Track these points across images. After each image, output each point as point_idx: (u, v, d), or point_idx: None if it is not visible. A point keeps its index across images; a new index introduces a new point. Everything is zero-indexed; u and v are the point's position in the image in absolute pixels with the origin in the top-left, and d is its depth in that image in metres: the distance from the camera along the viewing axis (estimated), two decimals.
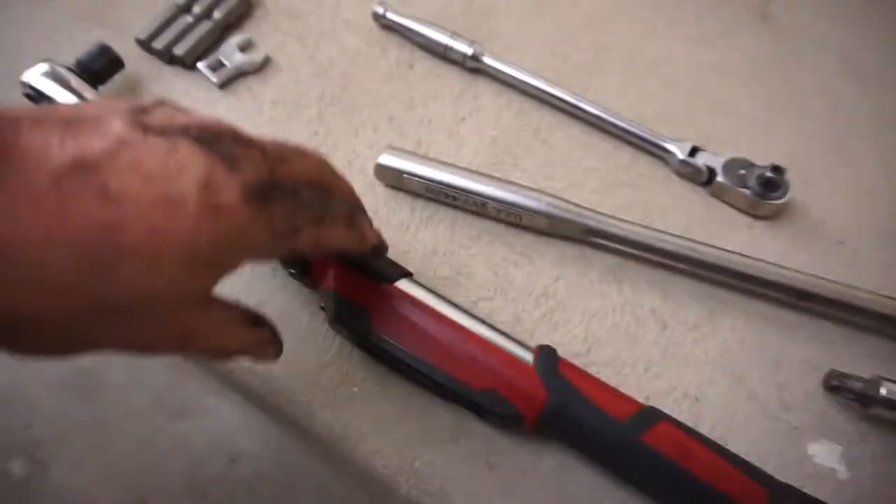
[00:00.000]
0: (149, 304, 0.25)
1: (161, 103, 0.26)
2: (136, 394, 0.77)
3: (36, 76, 0.44)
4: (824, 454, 0.40)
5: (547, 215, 0.43)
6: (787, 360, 0.42)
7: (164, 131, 0.25)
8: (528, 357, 0.37)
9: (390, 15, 0.52)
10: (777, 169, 0.46)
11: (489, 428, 0.39)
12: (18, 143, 0.22)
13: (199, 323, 0.28)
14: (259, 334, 0.32)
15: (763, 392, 0.41)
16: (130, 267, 0.23)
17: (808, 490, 0.36)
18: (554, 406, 0.36)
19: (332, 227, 0.30)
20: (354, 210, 0.32)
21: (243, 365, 0.40)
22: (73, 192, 0.22)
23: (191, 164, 0.24)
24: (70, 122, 0.24)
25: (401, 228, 0.45)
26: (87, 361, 0.80)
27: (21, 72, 0.45)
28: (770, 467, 0.36)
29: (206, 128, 0.26)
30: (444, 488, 0.37)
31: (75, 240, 0.22)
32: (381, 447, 0.38)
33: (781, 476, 0.36)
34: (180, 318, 0.27)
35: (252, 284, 0.42)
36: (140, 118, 0.25)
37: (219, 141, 0.26)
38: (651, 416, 0.36)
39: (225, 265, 0.27)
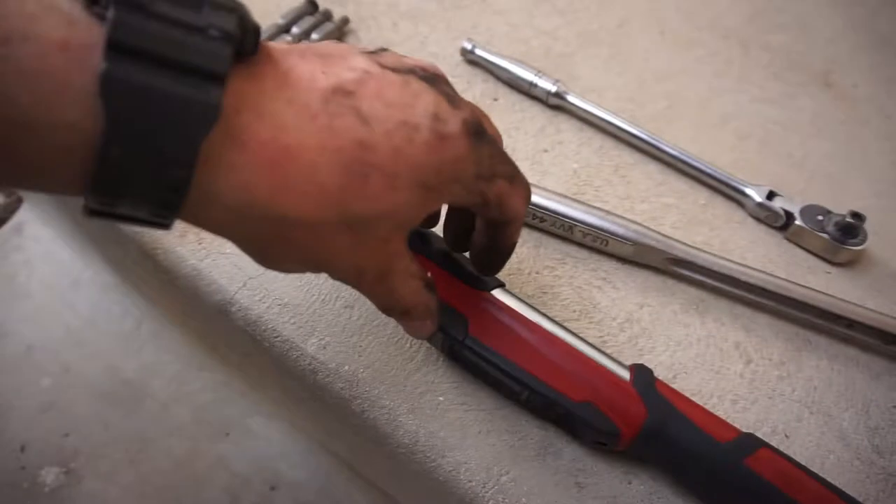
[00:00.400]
0: (382, 221, 0.28)
1: (386, 49, 0.30)
2: (178, 409, 0.75)
3: None
4: None
5: (634, 242, 0.44)
6: (875, 404, 0.42)
7: (396, 69, 0.28)
8: (625, 374, 0.36)
9: (478, 51, 0.54)
10: (857, 215, 0.46)
11: (578, 448, 0.38)
12: (296, 70, 0.26)
13: (400, 259, 0.30)
14: (430, 299, 0.33)
15: (854, 434, 0.40)
16: (375, 183, 0.27)
17: None
18: (653, 424, 0.35)
19: (517, 188, 0.32)
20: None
21: (329, 366, 0.40)
22: (337, 112, 0.26)
23: (422, 97, 0.28)
24: (325, 56, 0.28)
25: None
26: (130, 373, 0.78)
27: None
28: None
29: (428, 69, 0.30)
30: None
31: (339, 151, 0.26)
32: (467, 459, 0.37)
33: None
34: (391, 248, 0.29)
35: (340, 285, 0.42)
36: (375, 57, 0.29)
37: (439, 81, 0.29)
38: (752, 441, 0.35)
39: (441, 193, 0.29)
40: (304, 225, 0.26)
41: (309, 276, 0.43)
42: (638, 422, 0.35)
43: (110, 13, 0.21)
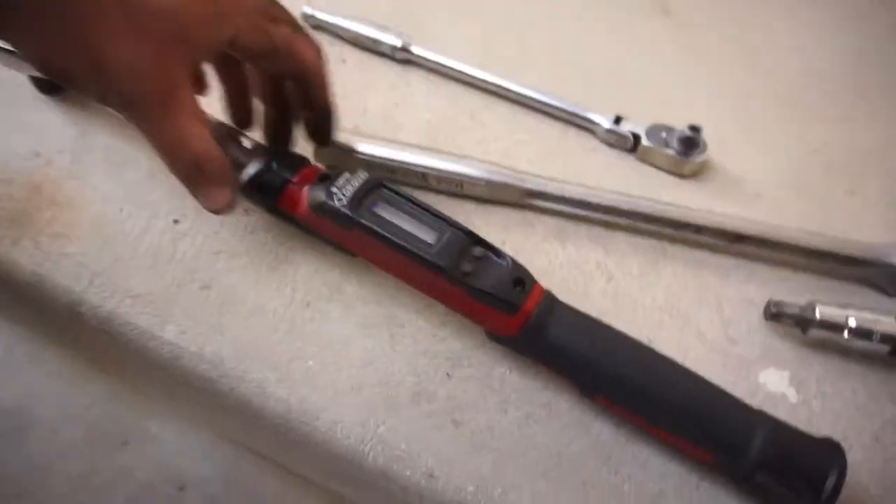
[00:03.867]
0: (162, 16, 0.28)
1: None
2: (68, 429, 0.70)
3: None
4: (774, 381, 0.41)
5: (486, 181, 0.44)
6: (727, 300, 0.44)
7: None
8: None
9: (319, 14, 0.53)
10: (694, 128, 0.49)
11: (453, 387, 0.38)
12: None
13: (183, 90, 0.30)
14: (221, 155, 0.33)
15: (710, 330, 0.43)
16: None
17: None
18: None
19: (304, 37, 0.35)
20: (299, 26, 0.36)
21: (190, 350, 0.38)
22: None
23: None
24: None
25: None
26: (9, 401, 0.73)
27: None
28: None
29: None
30: (411, 450, 0.36)
31: None
32: (341, 418, 0.37)
33: None
34: (172, 68, 0.29)
35: (194, 267, 0.41)
36: None
37: None
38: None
39: (225, 17, 0.31)
40: None
41: (161, 264, 0.41)
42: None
43: None
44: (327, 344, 0.39)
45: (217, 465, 0.65)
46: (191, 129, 0.31)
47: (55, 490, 0.67)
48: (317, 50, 0.37)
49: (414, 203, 0.37)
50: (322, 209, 0.36)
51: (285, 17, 0.35)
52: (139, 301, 0.40)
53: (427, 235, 0.36)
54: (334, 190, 0.36)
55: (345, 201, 0.36)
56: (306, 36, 0.36)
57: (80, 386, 0.73)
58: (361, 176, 0.37)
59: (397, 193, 0.37)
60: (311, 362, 0.38)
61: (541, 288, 0.37)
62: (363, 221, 0.36)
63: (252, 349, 0.38)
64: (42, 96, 0.48)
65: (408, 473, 0.36)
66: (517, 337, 0.36)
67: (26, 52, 0.28)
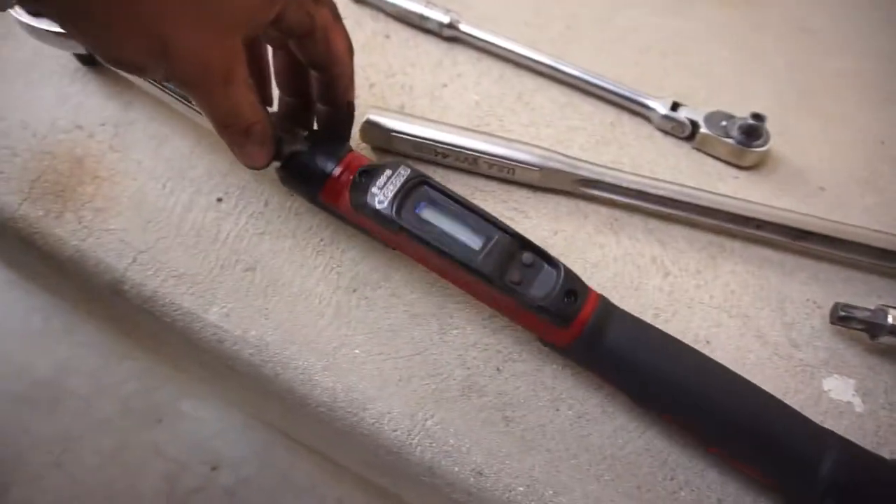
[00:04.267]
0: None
1: None
2: (102, 403, 0.71)
3: None
4: (839, 389, 0.39)
5: (540, 167, 0.42)
6: (790, 300, 0.42)
7: None
8: None
9: None
10: (757, 116, 0.46)
11: (503, 383, 0.37)
12: None
13: (241, 62, 0.31)
14: (266, 117, 0.34)
15: (771, 332, 0.41)
16: None
17: (827, 425, 0.35)
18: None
19: (340, 27, 0.35)
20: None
21: (234, 333, 0.37)
22: None
23: None
24: None
25: None
26: (45, 372, 0.73)
27: None
28: (788, 404, 0.35)
29: None
30: (460, 446, 0.35)
31: None
32: (389, 409, 0.36)
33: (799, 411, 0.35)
34: (234, 43, 0.30)
35: (238, 248, 0.40)
36: None
37: None
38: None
39: None
40: None
41: (204, 244, 0.40)
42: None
43: None
44: (374, 332, 0.38)
45: (251, 446, 0.65)
46: (245, 98, 0.32)
47: (87, 463, 0.67)
48: (349, 45, 0.37)
49: (459, 203, 0.35)
50: (363, 210, 0.35)
51: (327, 1, 0.35)
52: (183, 281, 0.39)
53: (473, 240, 0.34)
54: (375, 190, 0.35)
55: (386, 203, 0.34)
56: (343, 28, 0.36)
57: (115, 361, 0.73)
58: (403, 172, 0.35)
59: (441, 192, 0.35)
60: (357, 350, 0.37)
61: (595, 295, 0.35)
62: (405, 226, 0.34)
63: (297, 334, 0.37)
64: (83, 68, 0.47)
65: (456, 470, 0.35)
66: (568, 347, 0.35)
67: (94, 43, 0.29)
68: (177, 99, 0.41)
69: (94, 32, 0.28)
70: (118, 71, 0.43)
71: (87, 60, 0.46)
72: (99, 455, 0.68)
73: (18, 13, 0.41)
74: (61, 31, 0.40)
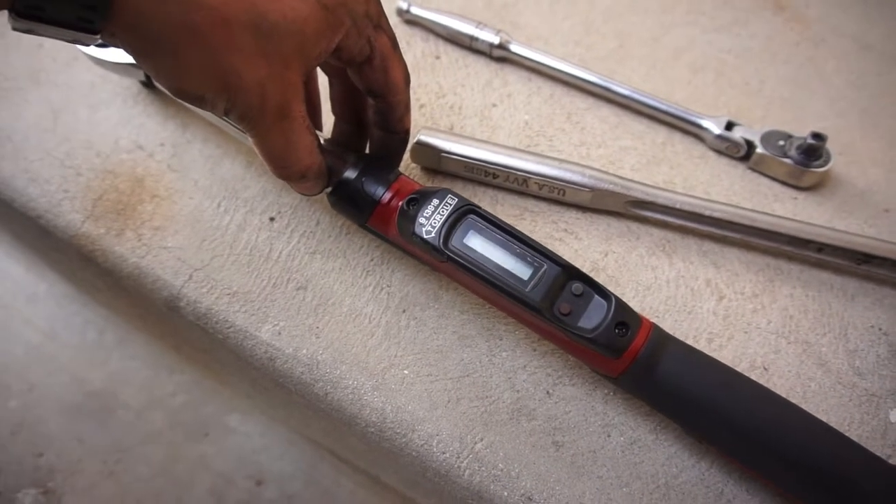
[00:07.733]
0: (288, 31, 0.29)
1: None
2: (152, 415, 0.73)
3: None
4: None
5: (591, 188, 0.42)
6: (853, 326, 0.40)
7: None
8: None
9: (415, 10, 0.52)
10: (818, 136, 0.45)
11: (553, 406, 0.36)
12: None
13: (298, 97, 0.31)
14: (322, 161, 0.35)
15: (833, 359, 0.39)
16: None
17: (893, 460, 0.33)
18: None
19: (398, 56, 0.35)
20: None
21: (286, 351, 0.38)
22: None
23: None
24: None
25: None
26: (98, 383, 0.76)
27: None
28: (852, 437, 0.33)
29: None
30: (509, 471, 0.34)
31: None
32: (438, 431, 0.36)
33: (864, 445, 0.33)
34: (292, 76, 0.30)
35: (291, 267, 0.40)
36: None
37: None
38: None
39: (336, 22, 0.31)
40: (214, 18, 0.27)
41: (257, 262, 0.41)
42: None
43: None
44: (423, 352, 0.38)
45: (296, 463, 0.66)
46: (302, 139, 0.32)
47: (138, 474, 0.69)
48: (406, 73, 0.37)
49: (507, 231, 0.35)
50: (411, 239, 0.35)
51: (387, 29, 0.35)
52: (236, 299, 0.40)
53: (521, 270, 0.34)
54: (422, 220, 0.34)
55: (433, 233, 0.34)
56: (401, 56, 0.36)
57: (164, 374, 0.75)
58: (450, 201, 0.35)
59: (489, 221, 0.35)
60: (406, 371, 0.37)
61: (648, 325, 0.34)
62: (452, 255, 0.34)
63: (348, 354, 0.38)
64: (144, 90, 0.48)
65: (505, 494, 0.34)
66: (620, 378, 0.34)
67: (162, 78, 0.30)
68: (233, 125, 0.42)
69: (163, 63, 0.29)
70: (190, 104, 0.45)
71: (148, 82, 0.48)
72: (149, 466, 0.70)
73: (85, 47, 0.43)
74: (125, 62, 0.42)
